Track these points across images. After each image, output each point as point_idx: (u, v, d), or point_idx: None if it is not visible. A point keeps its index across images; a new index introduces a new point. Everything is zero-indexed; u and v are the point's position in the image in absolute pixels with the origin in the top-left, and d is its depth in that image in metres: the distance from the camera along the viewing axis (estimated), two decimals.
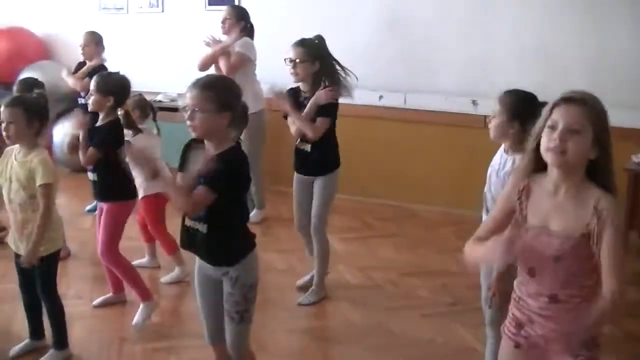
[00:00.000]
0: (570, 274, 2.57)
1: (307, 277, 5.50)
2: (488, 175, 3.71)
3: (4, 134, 4.17)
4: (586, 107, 2.49)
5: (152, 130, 5.86)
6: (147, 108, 5.86)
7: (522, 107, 3.46)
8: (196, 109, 3.29)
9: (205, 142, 3.40)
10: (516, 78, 5.08)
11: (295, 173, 5.29)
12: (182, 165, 3.48)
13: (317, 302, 5.28)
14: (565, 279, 2.58)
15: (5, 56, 9.42)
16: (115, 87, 4.95)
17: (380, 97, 7.51)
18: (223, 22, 6.88)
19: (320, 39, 5.09)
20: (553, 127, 2.49)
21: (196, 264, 3.61)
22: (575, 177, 2.55)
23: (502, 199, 2.78)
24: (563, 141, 2.46)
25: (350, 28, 7.47)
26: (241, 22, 6.87)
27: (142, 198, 5.47)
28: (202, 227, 3.39)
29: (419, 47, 7.40)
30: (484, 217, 3.64)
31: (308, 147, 5.07)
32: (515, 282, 2.79)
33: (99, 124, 4.92)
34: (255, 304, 3.58)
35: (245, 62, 6.76)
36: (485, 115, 4.22)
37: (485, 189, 3.73)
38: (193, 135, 3.35)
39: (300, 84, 5.08)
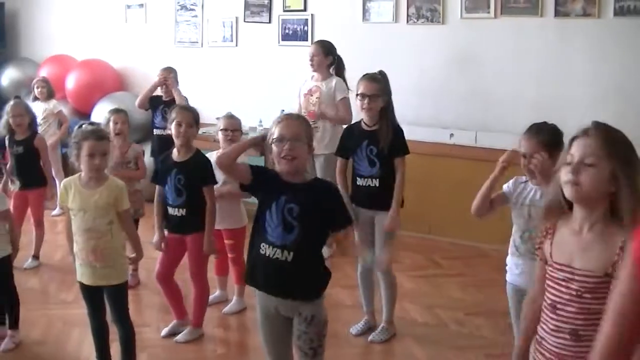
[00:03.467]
0: (591, 312, 2.48)
1: (360, 325, 5.39)
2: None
3: (95, 163, 4.21)
4: (603, 139, 2.45)
5: None
6: None
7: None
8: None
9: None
10: (590, 119, 5.01)
11: (355, 207, 5.14)
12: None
13: (387, 340, 5.23)
14: (586, 316, 2.50)
15: (83, 87, 9.66)
16: (197, 118, 5.16)
17: (451, 135, 7.47)
18: (311, 58, 6.91)
19: (384, 75, 5.08)
20: (569, 161, 2.47)
21: (260, 302, 3.61)
22: (598, 212, 2.49)
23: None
24: (576, 174, 2.43)
25: (421, 64, 7.49)
26: (329, 56, 6.94)
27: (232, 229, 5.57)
28: (288, 256, 3.39)
29: (491, 84, 7.38)
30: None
31: (377, 182, 5.03)
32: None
33: (186, 157, 5.05)
34: (326, 337, 3.60)
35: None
36: None
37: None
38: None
39: (365, 119, 5.06)
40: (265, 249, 3.44)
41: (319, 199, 3.43)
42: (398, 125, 5.06)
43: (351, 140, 5.14)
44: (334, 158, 5.39)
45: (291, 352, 3.66)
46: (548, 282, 2.60)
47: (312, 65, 6.93)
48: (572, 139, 2.52)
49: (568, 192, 2.48)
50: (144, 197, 6.29)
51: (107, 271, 4.28)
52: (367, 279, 5.31)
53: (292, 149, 3.40)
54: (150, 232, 5.35)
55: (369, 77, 5.02)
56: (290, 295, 3.48)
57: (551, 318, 2.60)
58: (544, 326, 2.65)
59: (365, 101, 4.95)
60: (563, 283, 2.55)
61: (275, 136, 3.42)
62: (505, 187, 4.10)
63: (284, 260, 3.39)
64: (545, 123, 3.99)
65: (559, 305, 2.57)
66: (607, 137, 2.47)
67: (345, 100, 6.82)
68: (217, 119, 5.78)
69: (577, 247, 2.53)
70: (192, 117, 5.06)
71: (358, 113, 5.13)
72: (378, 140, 4.96)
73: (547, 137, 3.84)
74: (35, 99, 8.62)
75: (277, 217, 3.41)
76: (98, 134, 4.28)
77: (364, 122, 5.07)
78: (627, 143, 2.49)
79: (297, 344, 3.53)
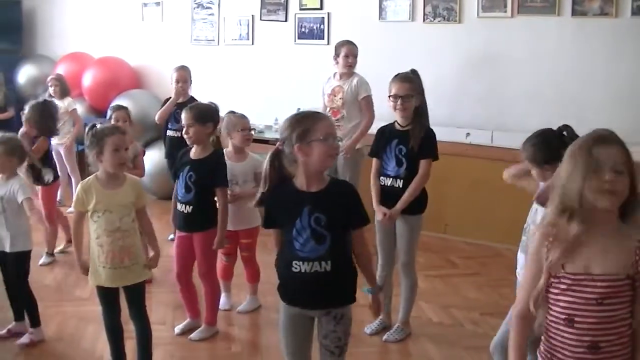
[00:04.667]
0: (612, 320, 2.46)
1: (375, 324, 5.34)
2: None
3: (122, 156, 4.22)
4: (622, 145, 2.47)
5: None
6: None
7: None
8: None
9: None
10: (607, 119, 5.00)
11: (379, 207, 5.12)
12: None
13: (402, 340, 5.21)
14: (606, 325, 2.46)
15: (100, 85, 9.69)
16: (215, 115, 5.13)
17: (467, 134, 7.45)
18: (347, 56, 6.87)
19: (416, 73, 5.01)
20: (599, 170, 2.41)
21: (285, 305, 3.55)
22: (613, 216, 2.48)
23: (532, 262, 2.61)
24: (615, 183, 2.40)
25: (438, 63, 7.46)
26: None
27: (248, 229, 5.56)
28: (326, 266, 3.33)
29: (508, 83, 7.36)
30: (520, 255, 3.95)
31: (401, 184, 4.96)
32: (542, 337, 2.65)
33: (201, 156, 5.02)
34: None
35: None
36: None
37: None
38: None
39: (399, 119, 4.99)
40: (300, 266, 3.35)
41: (340, 201, 3.36)
42: (430, 128, 4.99)
43: (383, 140, 5.07)
44: (355, 157, 5.40)
45: (310, 352, 3.62)
46: (558, 296, 2.52)
47: (346, 64, 6.87)
48: (591, 147, 2.45)
49: (607, 201, 2.41)
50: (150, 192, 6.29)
51: (131, 270, 4.28)
52: (386, 280, 5.25)
53: (337, 147, 3.41)
54: (160, 231, 5.35)
55: (402, 77, 4.93)
56: (332, 304, 3.46)
57: (569, 333, 2.51)
58: (555, 342, 2.57)
59: (399, 102, 4.87)
60: (580, 293, 2.47)
61: (321, 136, 3.28)
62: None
63: (323, 272, 3.33)
64: (537, 134, 3.89)
65: (577, 319, 2.48)
66: (620, 142, 2.49)
67: (369, 98, 6.82)
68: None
69: (594, 252, 2.47)
70: (192, 117, 4.97)
71: (390, 113, 5.06)
72: (408, 140, 4.89)
73: (530, 153, 3.81)
74: (50, 97, 8.64)
75: (305, 231, 3.32)
76: (120, 129, 4.38)
77: (397, 123, 5.00)
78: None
79: (324, 343, 3.49)
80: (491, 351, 4.02)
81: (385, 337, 5.22)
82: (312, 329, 3.56)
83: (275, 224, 3.47)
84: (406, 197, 4.91)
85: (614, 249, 2.47)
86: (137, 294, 4.39)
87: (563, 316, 2.52)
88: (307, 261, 3.33)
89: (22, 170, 5.24)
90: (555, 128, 3.85)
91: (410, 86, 4.87)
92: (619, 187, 2.40)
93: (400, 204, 4.92)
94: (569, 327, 2.51)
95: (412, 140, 4.87)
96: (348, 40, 7.09)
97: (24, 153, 5.16)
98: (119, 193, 4.24)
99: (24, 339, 5.04)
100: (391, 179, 4.98)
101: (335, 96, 6.91)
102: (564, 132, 3.77)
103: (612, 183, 2.39)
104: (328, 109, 6.88)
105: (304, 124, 3.32)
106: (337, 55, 6.94)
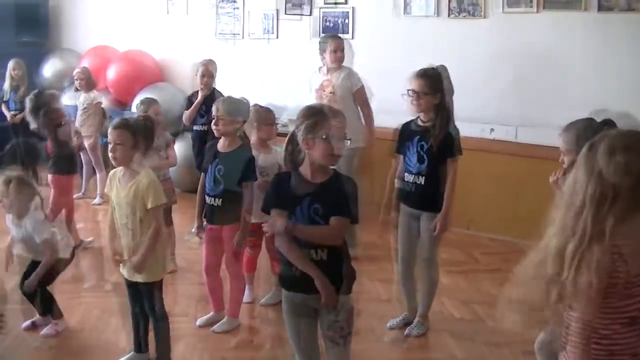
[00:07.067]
0: None
1: (398, 319, 5.33)
2: None
3: (110, 155, 4.27)
4: None
5: None
6: None
7: None
8: None
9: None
10: (634, 114, 4.96)
11: (400, 204, 5.13)
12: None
13: (423, 334, 5.19)
14: None
15: (124, 78, 9.73)
16: (246, 110, 5.17)
17: (492, 130, 7.42)
18: (335, 50, 6.75)
19: (443, 69, 4.92)
20: None
21: (287, 297, 3.61)
22: None
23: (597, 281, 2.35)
24: None
25: (462, 58, 7.40)
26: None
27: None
28: (322, 254, 3.40)
29: (532, 79, 7.31)
30: None
31: (422, 180, 4.93)
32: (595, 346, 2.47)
33: (229, 149, 5.04)
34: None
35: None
36: None
37: None
38: None
39: (420, 115, 4.96)
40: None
41: (338, 195, 3.39)
42: (454, 125, 4.93)
43: (405, 137, 5.04)
44: (357, 153, 5.36)
45: (317, 345, 3.65)
46: (624, 301, 2.40)
47: (335, 59, 6.75)
48: None
49: None
50: (174, 185, 6.32)
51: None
52: (409, 277, 5.24)
53: (340, 147, 3.40)
54: (187, 223, 5.37)
55: (420, 73, 4.87)
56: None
57: (627, 335, 2.42)
58: (614, 347, 2.45)
59: (413, 98, 4.85)
60: None
61: (324, 134, 3.32)
62: None
63: (319, 260, 3.40)
64: (580, 121, 3.91)
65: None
66: None
67: (362, 89, 6.75)
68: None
69: None
70: (225, 110, 5.00)
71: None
72: (429, 137, 4.85)
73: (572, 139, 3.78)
74: (77, 89, 8.70)
75: (304, 220, 3.39)
76: (114, 124, 4.36)
77: (420, 119, 4.98)
78: None
79: (328, 335, 3.52)
80: (536, 350, 3.99)
81: (407, 331, 5.20)
82: (316, 321, 3.57)
83: (275, 207, 3.49)
84: (447, 203, 4.90)
85: None
86: (147, 293, 4.42)
87: (627, 316, 2.42)
88: (304, 247, 3.41)
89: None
90: None
91: (426, 82, 4.82)
92: None
93: (444, 211, 4.91)
94: (632, 325, 2.42)
95: (432, 137, 4.84)
96: (333, 35, 7.07)
97: (33, 190, 5.03)
98: (123, 190, 4.28)
99: (48, 330, 5.08)
100: (413, 175, 4.95)
101: (324, 91, 6.81)
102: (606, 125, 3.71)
103: None
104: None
105: (313, 117, 3.38)
106: (323, 50, 6.82)
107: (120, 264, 4.42)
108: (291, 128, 3.56)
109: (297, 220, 3.39)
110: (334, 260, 3.41)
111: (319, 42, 7.01)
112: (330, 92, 6.77)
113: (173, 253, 6.25)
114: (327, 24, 8.68)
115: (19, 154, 7.92)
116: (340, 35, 7.45)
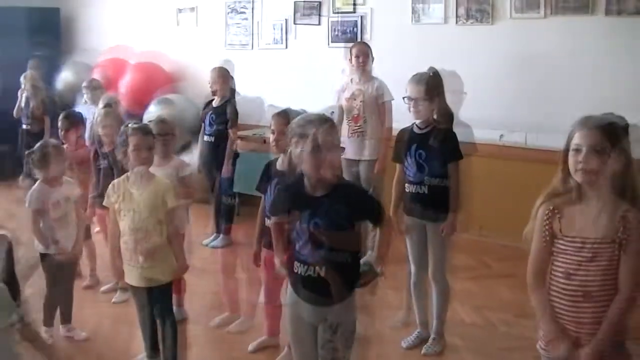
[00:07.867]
0: (601, 274, 2.97)
1: (412, 337, 5.22)
2: None
3: (141, 157, 4.33)
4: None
5: None
6: None
7: None
8: None
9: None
10: None
11: (406, 216, 5.03)
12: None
13: (441, 352, 5.09)
14: (595, 278, 2.98)
15: (136, 89, 9.78)
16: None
17: (501, 135, 7.42)
18: (357, 57, 6.81)
19: (436, 74, 4.85)
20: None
21: (291, 309, 3.54)
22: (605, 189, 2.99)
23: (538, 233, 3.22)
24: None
25: (471, 65, 7.41)
26: (371, 57, 6.93)
27: None
28: (320, 271, 3.33)
29: (541, 84, 7.29)
30: None
31: (425, 190, 4.84)
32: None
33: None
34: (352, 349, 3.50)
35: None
36: None
37: None
38: None
39: (417, 121, 4.90)
40: (298, 267, 3.38)
41: (342, 207, 3.26)
42: (451, 129, 4.86)
43: (402, 145, 4.95)
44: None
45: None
46: (559, 255, 3.08)
47: (359, 65, 6.81)
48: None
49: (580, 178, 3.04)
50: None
51: (153, 271, 4.35)
52: (421, 289, 5.17)
53: (328, 160, 3.25)
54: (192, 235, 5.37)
55: (416, 79, 4.81)
56: (323, 303, 3.39)
57: (566, 284, 3.05)
58: (556, 294, 3.10)
59: (412, 104, 4.80)
60: (575, 252, 3.01)
61: (309, 148, 3.21)
62: None
63: (316, 277, 3.32)
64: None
65: (571, 271, 3.03)
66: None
67: (388, 104, 6.75)
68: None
69: (588, 219, 3.00)
70: (287, 123, 4.51)
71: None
72: (427, 144, 4.78)
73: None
74: (86, 102, 8.71)
75: (304, 234, 3.32)
76: (144, 130, 4.49)
77: (416, 125, 4.90)
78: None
79: (320, 354, 3.41)
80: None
81: (424, 350, 5.08)
82: (316, 337, 3.47)
83: (278, 214, 3.51)
84: (452, 203, 4.83)
85: (604, 217, 2.97)
86: (159, 296, 4.46)
87: (562, 269, 3.07)
88: (304, 264, 3.35)
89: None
90: None
91: (424, 89, 4.74)
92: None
93: (451, 217, 4.85)
94: (567, 279, 3.05)
95: (430, 143, 4.77)
96: (359, 41, 7.08)
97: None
98: (139, 194, 4.32)
99: (74, 334, 5.22)
100: (415, 185, 4.87)
101: (355, 100, 6.81)
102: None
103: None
104: (347, 115, 6.82)
105: (300, 129, 3.28)
106: (350, 56, 6.88)
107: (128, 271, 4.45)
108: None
109: (298, 235, 3.35)
110: (331, 276, 3.29)
111: (349, 50, 7.05)
112: (361, 101, 6.79)
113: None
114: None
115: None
116: (351, 44, 7.46)
